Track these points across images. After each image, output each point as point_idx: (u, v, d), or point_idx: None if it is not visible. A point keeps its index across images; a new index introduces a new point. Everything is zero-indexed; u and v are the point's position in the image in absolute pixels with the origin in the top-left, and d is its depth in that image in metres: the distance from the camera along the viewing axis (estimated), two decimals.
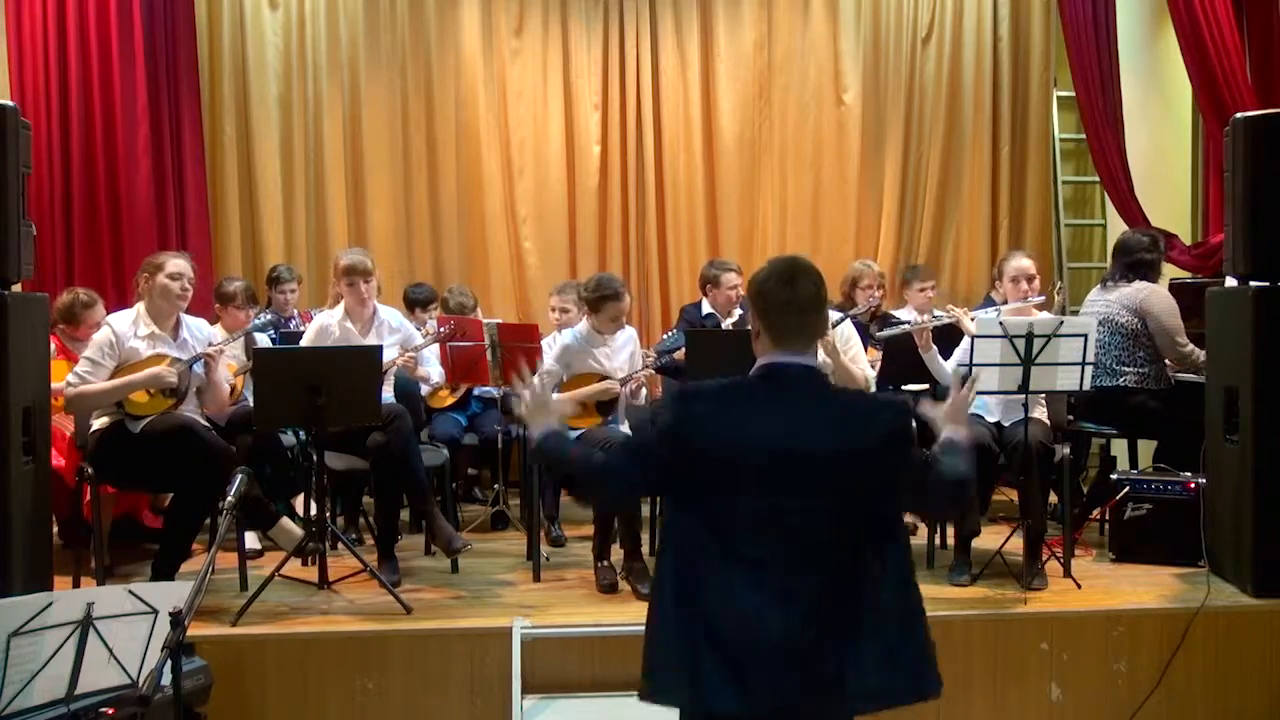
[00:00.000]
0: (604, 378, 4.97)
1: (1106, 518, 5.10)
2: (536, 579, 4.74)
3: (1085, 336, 4.43)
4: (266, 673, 3.93)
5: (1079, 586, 4.49)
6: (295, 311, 6.30)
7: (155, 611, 2.98)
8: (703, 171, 7.25)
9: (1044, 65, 7.39)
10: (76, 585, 4.45)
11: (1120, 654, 4.15)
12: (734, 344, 4.64)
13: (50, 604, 2.86)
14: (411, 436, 4.78)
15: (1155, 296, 5.16)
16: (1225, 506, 4.50)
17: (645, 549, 4.71)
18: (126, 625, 2.98)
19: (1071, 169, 7.70)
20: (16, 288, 4.08)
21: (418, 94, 7.08)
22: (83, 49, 6.28)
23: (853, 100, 7.31)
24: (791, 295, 2.37)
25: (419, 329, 5.52)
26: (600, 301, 4.98)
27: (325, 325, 4.99)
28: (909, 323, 5.01)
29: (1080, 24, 6.64)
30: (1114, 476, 4.99)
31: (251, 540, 4.96)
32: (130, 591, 2.99)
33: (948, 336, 4.96)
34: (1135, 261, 5.25)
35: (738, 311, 5.89)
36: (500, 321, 5.75)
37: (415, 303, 6.32)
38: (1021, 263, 5.02)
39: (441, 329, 5.27)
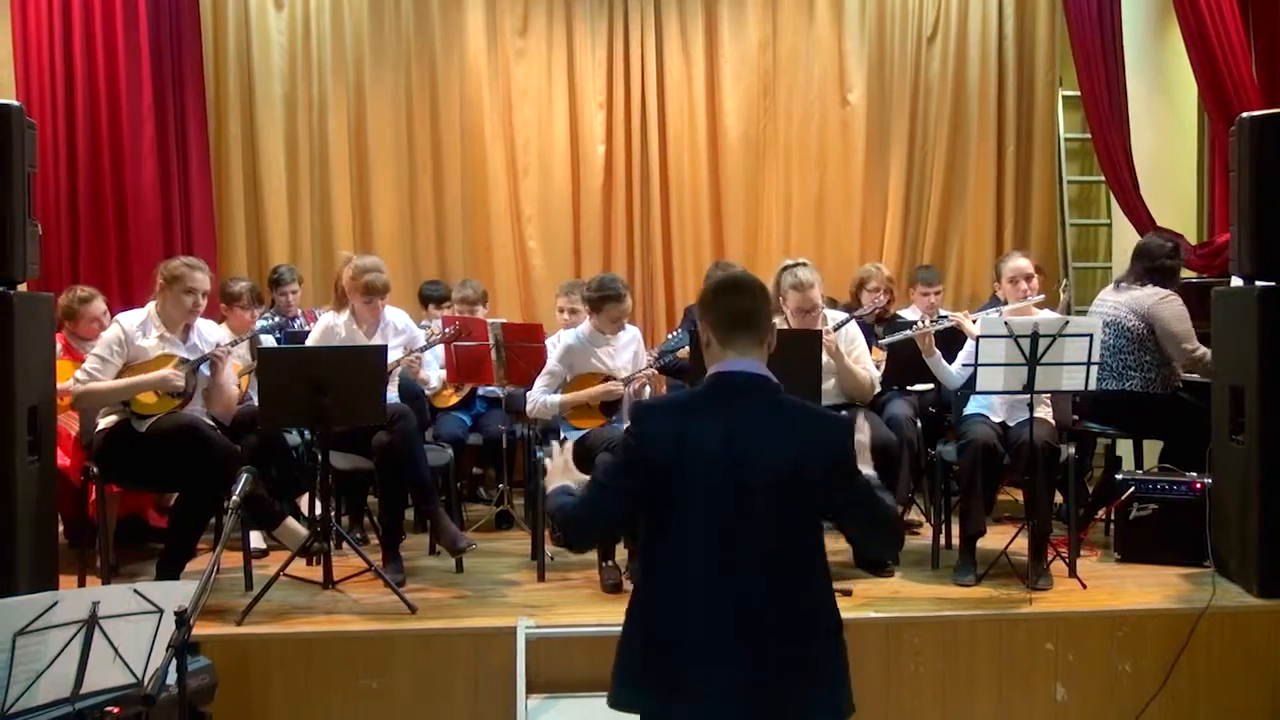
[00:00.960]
0: (607, 378, 4.97)
1: (1112, 518, 5.08)
2: (541, 579, 4.74)
3: (1090, 336, 4.43)
4: (271, 672, 3.94)
5: (1084, 587, 4.48)
6: (299, 311, 6.32)
7: (160, 611, 2.98)
8: (707, 171, 7.25)
9: (1049, 64, 7.38)
10: (82, 584, 4.45)
11: (1125, 654, 4.14)
12: None
13: (56, 603, 2.87)
14: (416, 436, 4.78)
15: (1164, 302, 5.13)
16: (1231, 507, 4.49)
17: None
18: (132, 624, 2.98)
19: (1077, 168, 7.69)
20: (22, 287, 4.09)
21: (422, 93, 7.09)
22: (88, 48, 6.29)
23: (857, 100, 7.31)
24: (735, 302, 2.49)
25: (426, 327, 5.53)
26: (602, 302, 5.00)
27: (331, 325, 5.00)
28: (913, 324, 5.01)
29: (1085, 23, 6.62)
30: (1119, 476, 4.98)
31: (256, 540, 4.96)
32: (135, 591, 3.00)
33: (952, 339, 4.96)
34: (1156, 267, 5.22)
35: None
36: (505, 321, 5.75)
37: (430, 299, 6.39)
38: (1018, 263, 5.04)
39: (446, 329, 5.28)
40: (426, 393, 5.30)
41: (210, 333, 4.78)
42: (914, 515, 5.64)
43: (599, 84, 7.18)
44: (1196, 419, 4.91)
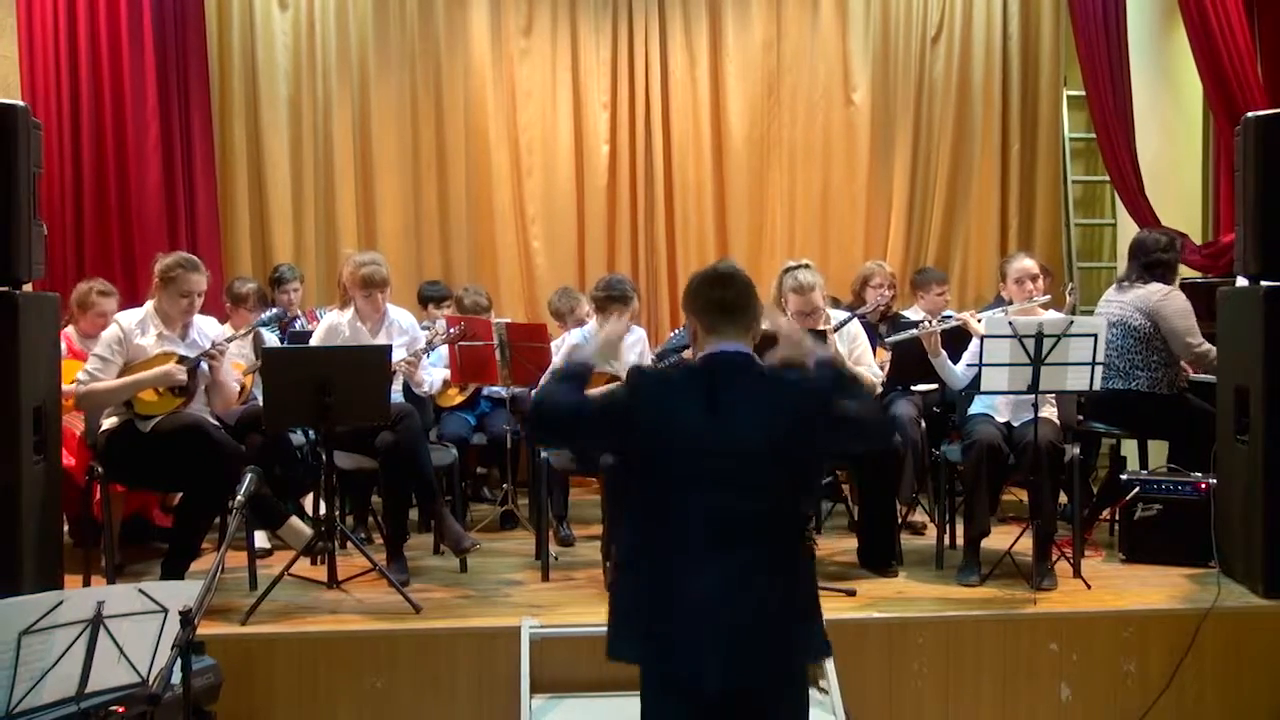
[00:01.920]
0: (614, 378, 4.96)
1: (1116, 518, 5.07)
2: (545, 578, 4.75)
3: (1095, 336, 4.42)
4: (276, 671, 3.94)
5: (1089, 587, 4.48)
6: (300, 311, 6.32)
7: (165, 610, 2.98)
8: (711, 171, 7.24)
9: (1054, 64, 7.37)
10: (87, 584, 4.46)
11: (1130, 655, 4.13)
12: None
13: (61, 603, 2.87)
14: (420, 436, 4.79)
15: (1168, 299, 5.12)
16: (1235, 507, 4.48)
17: None
18: (136, 624, 2.98)
19: (1081, 168, 7.68)
20: (27, 287, 4.10)
21: (427, 94, 7.09)
22: (93, 49, 6.28)
23: (862, 99, 7.30)
24: (721, 293, 2.65)
25: (428, 327, 5.54)
26: (608, 303, 5.04)
27: (335, 325, 5.00)
28: (919, 323, 5.00)
29: (1090, 22, 6.61)
30: (1124, 477, 4.97)
31: (261, 539, 4.98)
32: (140, 590, 3.00)
33: (957, 338, 4.95)
34: (1152, 262, 5.22)
35: None
36: (509, 321, 5.75)
37: (429, 299, 6.37)
38: (1024, 264, 5.04)
39: (450, 330, 5.28)
40: (425, 394, 5.31)
41: (210, 330, 4.78)
42: (919, 515, 5.64)
43: (603, 84, 7.17)
44: (1201, 419, 4.90)
